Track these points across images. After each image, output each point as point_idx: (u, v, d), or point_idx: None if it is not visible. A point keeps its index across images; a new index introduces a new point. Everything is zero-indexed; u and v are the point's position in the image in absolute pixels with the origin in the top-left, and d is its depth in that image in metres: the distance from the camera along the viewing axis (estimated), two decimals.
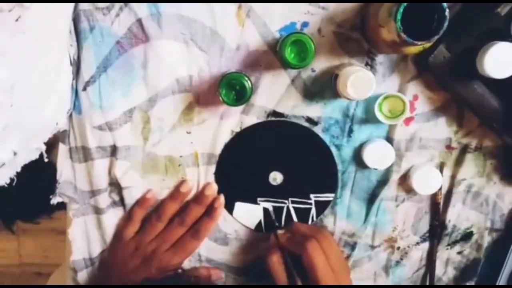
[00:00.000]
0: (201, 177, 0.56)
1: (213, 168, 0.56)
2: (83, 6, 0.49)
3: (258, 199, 0.57)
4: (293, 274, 0.51)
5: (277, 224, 0.57)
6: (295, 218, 0.57)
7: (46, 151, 0.49)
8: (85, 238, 0.57)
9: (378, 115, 0.52)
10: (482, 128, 0.54)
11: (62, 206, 0.57)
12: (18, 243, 1.36)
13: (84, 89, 0.51)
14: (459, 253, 0.59)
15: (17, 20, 0.34)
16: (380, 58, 0.51)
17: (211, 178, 0.56)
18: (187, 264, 0.58)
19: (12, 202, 1.23)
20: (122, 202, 0.56)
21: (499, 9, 0.45)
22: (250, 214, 0.57)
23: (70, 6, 0.46)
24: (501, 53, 0.44)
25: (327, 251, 0.50)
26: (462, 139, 0.55)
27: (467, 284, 0.60)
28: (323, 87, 0.53)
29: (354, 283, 0.59)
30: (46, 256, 1.36)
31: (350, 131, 0.55)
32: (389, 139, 0.55)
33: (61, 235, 0.59)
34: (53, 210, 1.27)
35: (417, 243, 0.59)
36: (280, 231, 0.54)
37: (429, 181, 0.54)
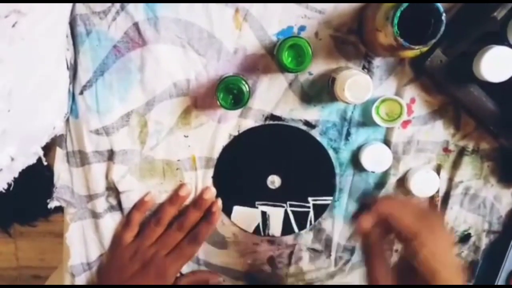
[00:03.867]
0: (199, 181, 0.56)
1: (211, 172, 0.56)
2: (79, 10, 0.48)
3: (256, 202, 0.57)
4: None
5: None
6: (293, 222, 0.57)
7: (43, 153, 0.49)
8: (83, 242, 0.57)
9: (376, 118, 0.52)
10: (479, 131, 0.54)
11: (59, 209, 0.56)
12: (15, 246, 1.36)
13: (81, 93, 0.51)
14: (457, 255, 0.60)
15: (13, 26, 0.34)
16: (377, 62, 0.52)
17: (209, 181, 0.56)
18: (185, 268, 0.58)
19: (8, 205, 1.22)
20: (119, 206, 0.56)
21: (495, 13, 0.46)
22: (248, 217, 0.57)
23: (67, 10, 0.46)
24: (498, 57, 0.44)
25: (439, 250, 0.41)
26: (459, 142, 0.55)
27: (466, 285, 0.60)
28: (321, 91, 0.53)
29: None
30: (43, 259, 1.36)
31: (348, 134, 0.55)
32: (386, 142, 0.55)
33: (58, 238, 0.58)
34: (50, 213, 1.26)
35: None
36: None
37: (426, 183, 0.54)
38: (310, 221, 0.57)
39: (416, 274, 0.41)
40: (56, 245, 1.31)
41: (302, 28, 0.51)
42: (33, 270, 1.37)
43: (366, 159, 0.53)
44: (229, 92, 0.49)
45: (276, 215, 0.57)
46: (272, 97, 0.53)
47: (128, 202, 0.55)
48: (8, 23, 0.33)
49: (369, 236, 0.45)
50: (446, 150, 0.55)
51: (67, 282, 0.58)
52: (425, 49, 0.45)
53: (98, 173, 0.54)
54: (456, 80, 0.50)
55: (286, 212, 0.57)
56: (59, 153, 0.54)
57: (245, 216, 0.57)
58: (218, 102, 0.48)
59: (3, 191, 0.44)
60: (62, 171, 0.55)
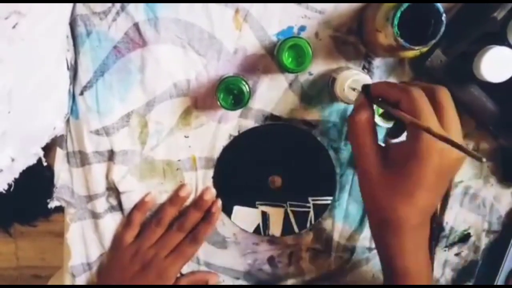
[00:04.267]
0: (199, 181, 0.56)
1: (211, 172, 0.56)
2: (80, 10, 0.49)
3: (257, 202, 0.57)
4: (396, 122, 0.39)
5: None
6: (293, 222, 0.58)
7: (43, 154, 0.49)
8: (83, 242, 0.57)
9: (376, 118, 0.52)
10: (478, 131, 0.54)
11: (59, 208, 0.57)
12: (16, 245, 1.36)
13: (81, 93, 0.51)
14: (456, 254, 0.60)
15: (14, 27, 0.34)
16: (377, 62, 0.52)
17: (209, 182, 0.56)
18: (185, 268, 0.58)
19: (9, 205, 1.22)
20: (120, 206, 0.56)
21: (495, 13, 0.46)
22: (248, 217, 0.57)
23: (67, 11, 0.46)
24: (498, 57, 0.45)
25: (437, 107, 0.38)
26: None
27: (466, 284, 0.60)
28: (321, 91, 0.53)
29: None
30: (44, 259, 1.36)
31: (348, 134, 0.55)
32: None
33: (59, 237, 0.59)
34: (50, 213, 1.26)
35: None
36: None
37: None
38: (310, 221, 0.58)
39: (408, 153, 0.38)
40: (56, 245, 1.31)
41: (302, 29, 0.51)
42: (33, 269, 1.37)
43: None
44: (230, 92, 0.49)
45: (276, 215, 0.57)
46: (272, 98, 0.53)
47: (128, 202, 0.56)
48: (8, 24, 0.33)
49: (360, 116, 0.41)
50: None
51: (68, 282, 0.58)
52: (425, 49, 0.45)
53: (98, 174, 0.54)
54: (456, 80, 0.50)
55: (286, 212, 0.57)
56: (59, 153, 0.54)
57: (245, 216, 0.57)
58: (218, 103, 0.48)
59: (3, 191, 0.44)
60: (62, 171, 0.55)
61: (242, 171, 0.56)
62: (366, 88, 0.43)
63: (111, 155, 0.54)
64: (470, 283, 0.60)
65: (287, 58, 0.47)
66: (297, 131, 0.54)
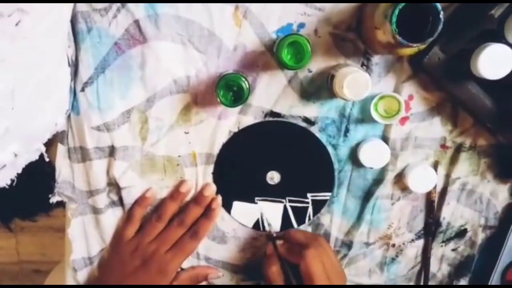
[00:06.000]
0: (199, 177, 0.56)
1: (211, 168, 0.56)
2: (80, 7, 0.49)
3: (256, 198, 0.57)
4: (291, 284, 0.51)
5: (272, 232, 0.57)
6: (292, 218, 0.58)
7: (45, 149, 0.49)
8: (84, 237, 0.57)
9: (374, 114, 0.52)
10: (476, 127, 0.55)
11: (60, 203, 0.57)
12: (16, 240, 1.36)
13: (82, 90, 0.52)
14: (453, 250, 0.60)
15: (17, 24, 0.34)
16: (376, 59, 0.52)
17: (209, 177, 0.57)
18: (185, 263, 0.59)
19: (9, 199, 1.22)
20: (120, 202, 0.57)
21: (492, 11, 0.46)
22: (247, 213, 0.58)
23: (69, 8, 0.46)
24: (495, 55, 0.45)
25: (324, 260, 0.51)
26: (456, 138, 0.56)
27: (461, 280, 0.61)
28: (320, 88, 0.53)
29: (349, 279, 0.60)
30: (44, 254, 1.36)
31: (347, 130, 0.55)
32: (384, 138, 0.55)
33: (59, 232, 0.59)
34: (51, 208, 1.27)
35: (412, 240, 0.60)
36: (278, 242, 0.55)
37: (424, 179, 0.55)
38: (309, 217, 0.58)
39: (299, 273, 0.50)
40: (57, 240, 1.32)
41: (301, 26, 0.51)
42: (34, 264, 1.38)
43: (364, 155, 0.54)
44: (229, 89, 0.49)
45: (275, 210, 0.58)
46: (271, 94, 0.54)
47: (129, 198, 0.56)
48: (11, 22, 0.34)
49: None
50: (443, 146, 0.56)
51: (69, 276, 0.58)
52: (423, 47, 0.45)
53: (99, 169, 0.55)
54: (454, 77, 0.50)
55: (285, 208, 0.58)
56: (61, 149, 0.54)
57: (245, 212, 0.58)
58: (218, 99, 0.48)
59: (6, 186, 0.45)
60: (63, 167, 0.55)
61: (242, 167, 0.57)
62: (272, 239, 0.56)
63: (112, 151, 0.54)
64: (467, 278, 0.61)
65: (286, 55, 0.47)
66: (296, 128, 0.55)
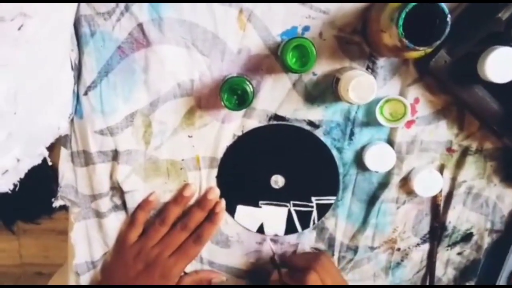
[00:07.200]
0: (203, 181, 0.56)
1: (215, 172, 0.56)
2: (84, 11, 0.49)
3: (260, 202, 0.57)
4: None
5: (276, 259, 0.57)
6: (296, 222, 0.58)
7: (48, 153, 0.49)
8: (87, 241, 0.57)
9: (379, 118, 0.52)
10: (482, 131, 0.54)
11: (63, 207, 0.57)
12: (19, 243, 1.36)
13: (86, 93, 0.51)
14: (459, 254, 0.60)
15: (19, 29, 0.34)
16: (381, 62, 0.52)
17: (213, 181, 0.56)
18: (189, 267, 0.58)
19: (12, 202, 1.22)
20: (124, 206, 0.56)
21: (500, 14, 0.46)
22: (251, 217, 0.57)
23: (72, 12, 0.46)
24: (502, 58, 0.45)
25: (326, 281, 0.51)
26: (462, 142, 0.55)
27: (467, 284, 0.60)
28: (325, 91, 0.53)
29: (353, 283, 0.59)
30: (47, 256, 1.36)
31: (352, 134, 0.55)
32: (390, 141, 0.55)
33: (62, 235, 0.59)
34: (53, 211, 1.26)
35: (418, 245, 0.59)
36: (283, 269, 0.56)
37: (429, 183, 0.55)
38: (313, 221, 0.58)
39: None
40: (59, 243, 1.32)
41: (306, 29, 0.51)
42: (36, 267, 1.38)
43: (369, 159, 0.54)
44: (233, 92, 0.49)
45: (279, 214, 0.57)
46: (276, 98, 0.53)
47: (132, 201, 0.56)
48: (14, 26, 0.33)
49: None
50: (449, 150, 0.56)
51: (72, 280, 0.58)
52: (429, 50, 0.44)
53: (103, 173, 0.54)
54: (460, 81, 0.50)
55: (289, 212, 0.57)
56: (64, 153, 0.54)
57: (249, 216, 0.57)
58: (222, 103, 0.48)
59: (9, 191, 0.44)
60: (66, 170, 0.55)
61: (246, 170, 0.56)
62: (277, 266, 0.56)
63: (115, 155, 0.54)
64: (472, 283, 0.60)
65: (291, 58, 0.47)
66: (300, 131, 0.55)
